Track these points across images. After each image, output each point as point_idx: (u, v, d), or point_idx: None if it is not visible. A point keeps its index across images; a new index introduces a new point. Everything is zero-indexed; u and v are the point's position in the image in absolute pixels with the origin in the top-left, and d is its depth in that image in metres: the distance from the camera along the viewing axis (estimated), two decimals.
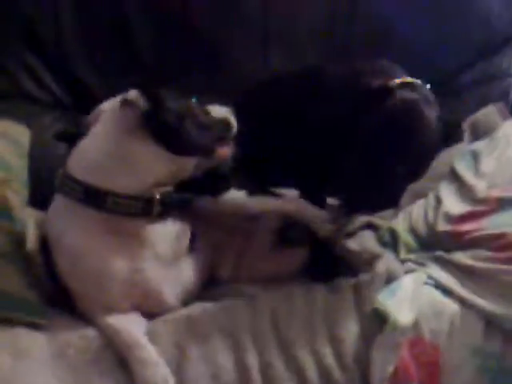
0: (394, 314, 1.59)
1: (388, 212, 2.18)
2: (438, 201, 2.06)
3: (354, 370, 1.56)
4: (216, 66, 2.53)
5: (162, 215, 1.66)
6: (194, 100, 1.72)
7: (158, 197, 1.64)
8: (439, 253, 1.84)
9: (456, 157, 2.21)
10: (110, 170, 1.61)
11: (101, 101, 2.47)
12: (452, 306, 1.66)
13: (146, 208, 1.63)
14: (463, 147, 2.25)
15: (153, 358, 1.55)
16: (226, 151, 1.76)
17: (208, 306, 1.71)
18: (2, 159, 2.07)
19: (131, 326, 1.61)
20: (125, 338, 1.58)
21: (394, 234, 2.03)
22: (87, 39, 2.51)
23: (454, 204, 2.00)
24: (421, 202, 2.15)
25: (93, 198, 1.61)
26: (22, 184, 2.12)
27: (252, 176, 1.90)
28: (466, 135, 2.34)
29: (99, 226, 1.62)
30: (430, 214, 2.03)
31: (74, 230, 1.64)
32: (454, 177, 2.12)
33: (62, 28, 2.49)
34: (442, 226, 1.93)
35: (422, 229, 2.02)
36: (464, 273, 1.74)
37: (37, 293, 1.67)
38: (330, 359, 1.56)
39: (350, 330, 1.60)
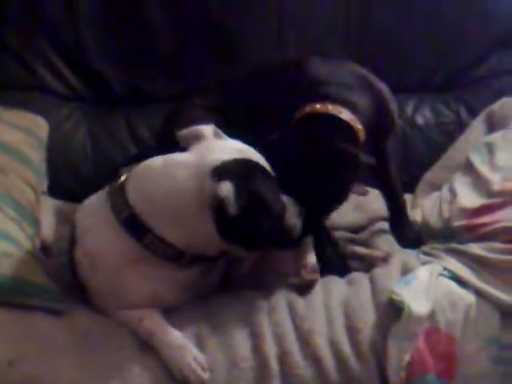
0: (409, 304, 1.60)
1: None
2: (453, 194, 2.07)
3: (371, 359, 1.57)
4: (230, 52, 2.53)
5: (191, 264, 1.62)
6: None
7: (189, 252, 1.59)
8: (454, 245, 1.85)
9: (471, 148, 2.22)
10: (165, 217, 1.56)
11: (118, 93, 2.53)
12: (468, 297, 1.67)
13: (177, 257, 1.59)
14: (478, 138, 2.26)
15: (179, 340, 1.55)
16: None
17: (227, 297, 1.71)
18: (21, 152, 2.09)
19: (151, 314, 1.60)
20: (147, 326, 1.57)
21: None
22: (105, 32, 2.51)
23: (469, 197, 2.01)
24: (435, 195, 2.17)
25: (133, 226, 1.57)
26: (40, 176, 2.15)
27: None
28: (482, 126, 2.35)
29: (127, 247, 1.59)
30: (445, 208, 2.04)
31: (98, 233, 1.62)
32: (470, 169, 2.13)
33: (80, 21, 2.50)
34: (458, 221, 1.94)
35: (435, 222, 2.03)
36: (479, 264, 1.75)
37: (54, 282, 1.68)
38: (346, 348, 1.57)
39: (367, 320, 1.62)
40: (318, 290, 1.71)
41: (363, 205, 2.17)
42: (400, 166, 2.52)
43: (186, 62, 2.54)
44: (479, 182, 2.05)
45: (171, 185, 1.55)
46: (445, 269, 1.76)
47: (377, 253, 1.97)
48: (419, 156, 2.57)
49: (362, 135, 1.75)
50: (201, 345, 1.56)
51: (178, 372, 1.52)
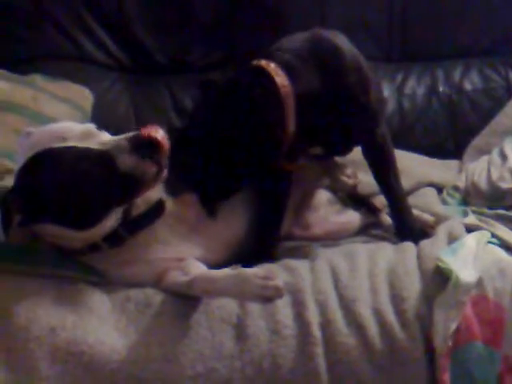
0: (457, 272, 1.57)
1: (452, 169, 2.17)
2: (503, 157, 2.03)
3: (416, 328, 1.53)
4: (273, 26, 2.50)
5: (120, 243, 1.61)
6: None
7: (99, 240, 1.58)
8: (503, 211, 1.82)
9: None
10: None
11: (159, 62, 2.53)
12: None
13: (93, 248, 1.59)
14: None
15: (230, 275, 1.49)
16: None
17: (270, 264, 1.71)
18: None
19: (192, 273, 1.59)
20: (199, 287, 1.54)
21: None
22: (147, 2, 2.52)
23: None
24: (484, 159, 2.13)
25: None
26: None
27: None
28: None
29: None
30: (494, 172, 2.01)
31: None
32: None
33: None
34: (507, 184, 1.91)
35: (484, 185, 2.00)
36: None
37: None
38: (391, 317, 1.54)
39: (412, 289, 1.58)
40: (363, 258, 1.69)
41: (407, 170, 2.11)
42: (446, 133, 2.53)
43: (226, 31, 2.53)
44: None
45: None
46: (493, 236, 1.72)
47: (425, 216, 1.93)
48: (467, 122, 2.54)
49: (289, 101, 1.68)
50: (243, 312, 1.55)
51: (255, 299, 1.47)
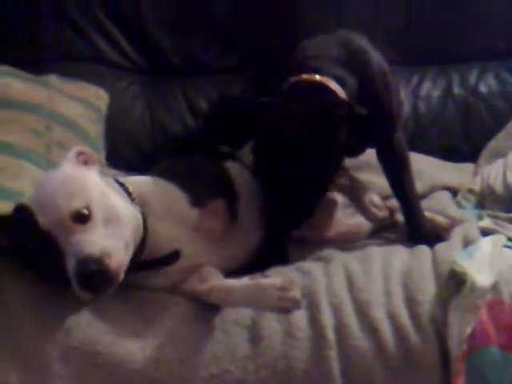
0: (472, 276, 1.56)
1: (467, 173, 2.17)
2: None
3: (431, 331, 1.52)
4: (289, 28, 2.50)
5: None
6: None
7: None
8: None
9: None
10: None
11: (174, 64, 2.54)
12: None
13: None
14: None
15: (246, 286, 1.50)
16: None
17: (284, 268, 1.71)
18: (78, 126, 2.10)
19: (210, 281, 1.59)
20: (215, 296, 1.54)
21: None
22: (163, 3, 2.53)
23: None
24: (500, 162, 2.12)
25: None
26: (97, 150, 2.14)
27: None
28: None
29: None
30: (510, 175, 2.00)
31: None
32: None
33: None
34: None
35: (499, 188, 1.99)
36: None
37: None
38: (405, 320, 1.54)
39: (427, 292, 1.57)
40: (377, 261, 1.68)
41: (421, 173, 2.11)
42: (462, 136, 2.53)
43: (242, 33, 2.53)
44: None
45: None
46: (509, 239, 1.71)
47: (439, 219, 1.93)
48: (482, 125, 2.53)
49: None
50: (257, 314, 1.54)
51: (272, 310, 1.48)
